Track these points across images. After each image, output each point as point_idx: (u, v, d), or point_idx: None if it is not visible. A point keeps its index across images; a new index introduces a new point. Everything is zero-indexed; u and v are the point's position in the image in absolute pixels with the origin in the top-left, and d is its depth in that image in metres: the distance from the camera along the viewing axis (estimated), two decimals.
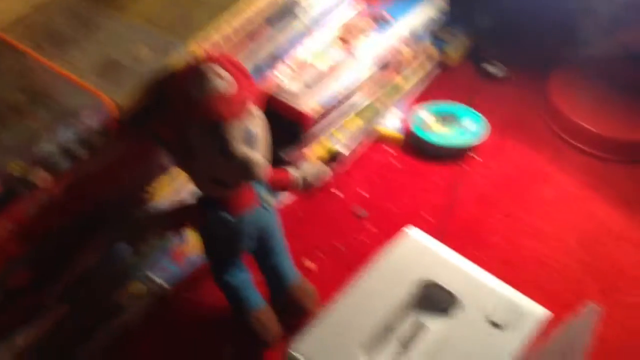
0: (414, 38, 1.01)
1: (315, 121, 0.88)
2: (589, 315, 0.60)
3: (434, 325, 0.62)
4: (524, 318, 0.60)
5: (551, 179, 0.99)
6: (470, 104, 1.08)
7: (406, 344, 0.60)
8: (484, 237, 0.90)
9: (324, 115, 0.89)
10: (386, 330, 0.61)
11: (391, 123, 1.05)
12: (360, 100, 0.95)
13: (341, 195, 0.96)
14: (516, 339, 0.58)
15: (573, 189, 0.97)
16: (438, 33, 1.11)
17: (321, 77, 0.90)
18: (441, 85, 1.14)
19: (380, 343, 0.61)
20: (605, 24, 1.15)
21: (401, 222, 0.93)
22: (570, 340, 0.60)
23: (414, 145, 1.03)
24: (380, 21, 1.00)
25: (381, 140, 1.04)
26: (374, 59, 0.95)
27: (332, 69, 0.92)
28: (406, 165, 1.01)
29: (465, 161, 1.01)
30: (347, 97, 0.92)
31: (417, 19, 1.01)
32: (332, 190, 0.97)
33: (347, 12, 0.97)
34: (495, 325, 0.60)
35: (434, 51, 1.07)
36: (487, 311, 0.61)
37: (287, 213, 0.93)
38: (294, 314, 0.77)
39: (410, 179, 0.99)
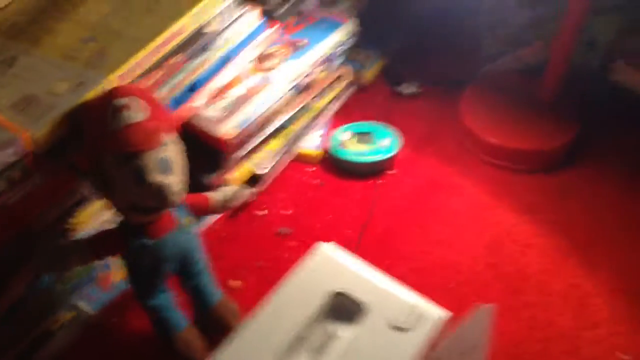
0: (328, 61, 1.07)
1: (236, 146, 0.92)
2: (483, 315, 0.66)
3: (343, 333, 0.66)
4: (423, 320, 0.66)
5: (461, 190, 1.05)
6: (385, 121, 1.15)
7: (317, 353, 0.65)
8: (397, 247, 0.96)
9: (243, 139, 0.93)
10: (299, 341, 0.65)
11: (311, 143, 1.10)
12: (279, 122, 1.00)
13: (264, 214, 1.00)
14: (416, 340, 0.64)
15: (482, 198, 1.04)
16: (352, 55, 1.17)
17: (239, 103, 0.95)
18: (357, 104, 1.20)
19: (293, 353, 0.65)
20: (505, 42, 1.24)
21: (322, 237, 0.96)
22: (467, 339, 0.66)
23: (334, 164, 1.08)
24: (296, 47, 1.05)
25: (302, 159, 1.09)
26: (290, 82, 1.00)
27: (250, 94, 0.96)
28: (326, 182, 1.06)
29: (381, 176, 1.07)
30: (266, 120, 0.97)
31: (330, 43, 1.07)
32: (255, 211, 1.01)
33: (265, 40, 1.02)
34: (397, 328, 0.65)
35: (348, 72, 1.13)
36: (391, 316, 0.66)
37: (210, 235, 0.97)
38: (219, 332, 0.80)
39: (330, 196, 1.04)
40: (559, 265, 0.93)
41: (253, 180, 0.99)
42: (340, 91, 1.14)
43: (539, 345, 0.83)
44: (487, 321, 0.68)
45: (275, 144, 1.01)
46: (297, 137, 1.06)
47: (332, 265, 0.72)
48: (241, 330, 0.66)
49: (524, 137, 1.08)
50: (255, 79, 0.99)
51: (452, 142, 1.14)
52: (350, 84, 1.17)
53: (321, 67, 1.06)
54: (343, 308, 0.69)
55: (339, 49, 1.08)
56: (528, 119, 1.11)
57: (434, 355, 0.63)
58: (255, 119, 0.94)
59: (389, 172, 1.08)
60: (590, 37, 1.16)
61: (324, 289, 0.69)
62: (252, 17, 0.94)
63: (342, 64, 1.12)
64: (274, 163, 1.02)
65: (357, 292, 0.69)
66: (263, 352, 0.64)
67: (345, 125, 1.12)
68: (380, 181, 1.06)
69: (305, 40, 1.07)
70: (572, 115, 1.12)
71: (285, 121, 1.01)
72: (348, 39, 1.10)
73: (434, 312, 0.66)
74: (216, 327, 0.80)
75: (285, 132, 1.03)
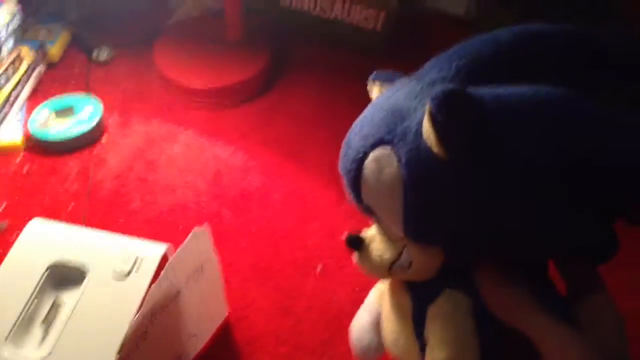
0: None
1: None
2: (198, 238, 0.71)
3: (71, 299, 0.67)
4: (145, 260, 0.69)
5: (177, 137, 1.09)
6: (87, 91, 1.13)
7: (49, 325, 0.65)
8: (125, 207, 0.97)
9: None
10: (28, 319, 0.65)
11: (10, 133, 1.05)
12: None
13: None
14: (141, 281, 0.67)
15: (196, 139, 1.09)
16: (31, 34, 1.12)
17: None
18: (54, 81, 1.17)
19: (24, 331, 0.64)
20: None
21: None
22: (188, 263, 0.70)
23: (41, 147, 1.04)
24: None
25: (4, 152, 1.03)
26: None
27: None
28: (38, 167, 1.02)
29: (95, 145, 1.06)
30: None
31: None
32: None
33: None
34: (121, 277, 0.67)
35: (28, 53, 1.08)
36: (113, 268, 0.68)
37: None
38: None
39: (46, 179, 1.01)
40: (276, 178, 1.02)
41: None
42: (25, 73, 1.09)
43: (271, 249, 0.92)
44: (206, 243, 0.73)
45: None
46: None
47: (45, 238, 0.71)
48: None
49: (220, 75, 1.15)
50: None
51: (159, 95, 1.17)
52: (36, 63, 1.12)
53: None
54: (67, 276, 0.69)
55: (3, 30, 1.02)
56: (221, 58, 1.18)
57: (157, 286, 0.66)
58: None
59: (102, 139, 1.07)
60: None
61: (42, 263, 0.68)
62: None
63: (19, 44, 1.07)
64: None
65: (76, 257, 0.69)
66: None
67: (41, 105, 1.08)
68: (94, 151, 1.05)
69: None
70: (262, 46, 1.22)
71: None
72: (12, 19, 1.04)
73: (154, 251, 0.70)
74: None
75: None
